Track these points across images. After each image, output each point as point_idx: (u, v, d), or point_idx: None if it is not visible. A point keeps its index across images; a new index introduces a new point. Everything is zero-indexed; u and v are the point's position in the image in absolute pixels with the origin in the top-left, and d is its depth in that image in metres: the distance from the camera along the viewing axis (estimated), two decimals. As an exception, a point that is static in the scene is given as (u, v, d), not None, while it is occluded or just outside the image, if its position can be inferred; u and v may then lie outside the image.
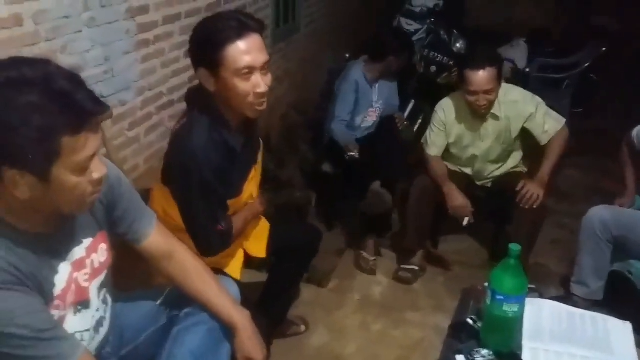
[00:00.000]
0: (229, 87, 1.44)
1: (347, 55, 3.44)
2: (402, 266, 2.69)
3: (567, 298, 2.35)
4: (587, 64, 4.01)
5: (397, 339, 2.27)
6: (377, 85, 2.97)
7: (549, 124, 2.53)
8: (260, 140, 1.77)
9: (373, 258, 2.75)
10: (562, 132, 2.53)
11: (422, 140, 2.74)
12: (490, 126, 2.57)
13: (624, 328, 1.58)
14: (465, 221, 2.53)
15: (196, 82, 1.55)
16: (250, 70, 1.42)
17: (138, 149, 2.26)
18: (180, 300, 1.35)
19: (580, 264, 2.32)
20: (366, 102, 2.95)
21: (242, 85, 1.43)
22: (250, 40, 1.41)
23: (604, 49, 3.96)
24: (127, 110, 2.16)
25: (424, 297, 2.57)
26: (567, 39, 4.59)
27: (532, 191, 2.44)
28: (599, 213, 2.25)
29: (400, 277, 2.66)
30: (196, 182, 1.49)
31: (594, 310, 1.72)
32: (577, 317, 1.62)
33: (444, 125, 2.63)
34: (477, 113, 2.52)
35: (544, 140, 2.54)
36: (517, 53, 4.12)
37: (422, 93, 3.61)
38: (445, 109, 2.64)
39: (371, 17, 4.59)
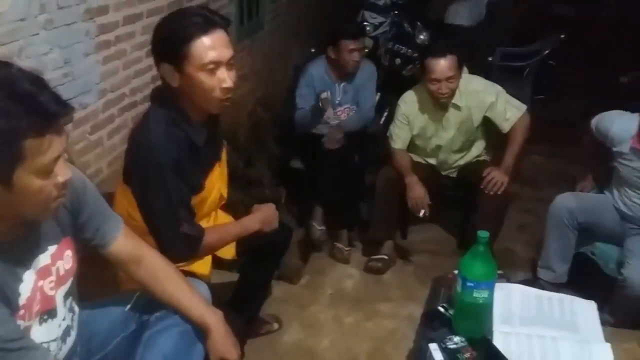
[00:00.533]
0: (194, 82, 1.44)
1: (313, 50, 3.43)
2: (372, 257, 2.73)
3: (534, 281, 2.42)
4: (546, 52, 4.11)
5: (370, 331, 2.29)
6: (341, 85, 2.93)
7: (510, 112, 2.58)
8: (224, 139, 1.76)
9: (348, 248, 2.78)
10: (523, 120, 2.58)
11: (387, 134, 2.78)
12: (452, 116, 2.62)
13: (589, 307, 1.64)
14: (421, 213, 2.57)
15: (160, 82, 1.54)
16: (216, 65, 1.43)
17: (101, 153, 2.21)
18: (150, 304, 1.33)
19: (547, 249, 2.39)
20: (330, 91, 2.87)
21: (207, 80, 1.43)
22: (216, 35, 1.42)
23: (562, 36, 4.06)
24: (88, 114, 2.11)
25: (395, 288, 2.60)
26: (527, 27, 4.68)
27: (497, 178, 2.49)
28: (565, 201, 2.31)
29: (371, 267, 2.69)
30: (154, 177, 1.47)
31: (561, 292, 1.78)
32: (545, 300, 1.67)
33: (407, 118, 2.67)
34: (439, 103, 2.56)
35: (505, 128, 2.59)
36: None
37: (388, 86, 3.62)
38: (408, 102, 2.67)
39: (336, 12, 4.59)
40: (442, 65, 2.42)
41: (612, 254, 2.33)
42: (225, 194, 1.77)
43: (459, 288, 1.45)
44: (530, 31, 4.46)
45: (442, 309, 1.57)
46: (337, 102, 2.94)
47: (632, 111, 2.20)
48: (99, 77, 2.15)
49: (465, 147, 2.72)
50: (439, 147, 2.71)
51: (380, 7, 3.95)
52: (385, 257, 2.72)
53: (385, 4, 3.93)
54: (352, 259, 2.78)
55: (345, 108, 2.98)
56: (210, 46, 1.41)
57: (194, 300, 1.33)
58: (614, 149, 2.26)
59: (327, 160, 2.75)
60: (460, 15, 4.57)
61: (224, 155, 1.73)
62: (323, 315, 2.38)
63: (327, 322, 2.34)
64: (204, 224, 1.65)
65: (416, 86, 2.68)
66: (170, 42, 1.42)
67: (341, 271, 2.72)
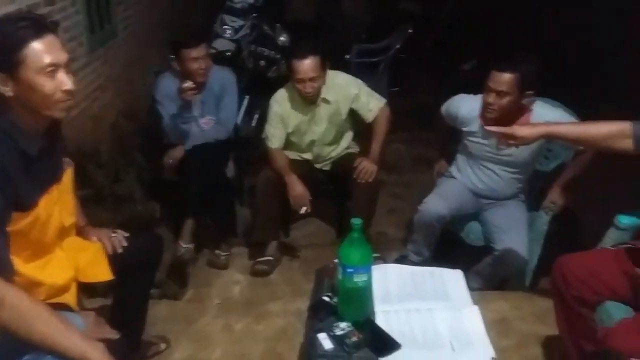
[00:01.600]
0: (34, 88, 1.36)
1: (172, 56, 3.35)
2: (258, 259, 2.74)
3: (406, 258, 2.61)
4: (397, 46, 4.40)
5: (262, 333, 2.29)
6: (197, 96, 2.79)
7: (372, 103, 2.73)
8: (71, 161, 1.63)
9: (224, 254, 2.76)
10: (384, 111, 2.75)
11: (263, 136, 2.80)
12: (323, 110, 2.72)
13: (457, 276, 1.79)
14: (303, 210, 2.65)
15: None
16: (55, 67, 1.37)
17: None
18: (15, 349, 1.21)
19: (416, 240, 2.56)
20: (187, 106, 2.79)
21: (47, 84, 1.36)
22: (48, 39, 1.37)
23: (410, 31, 4.38)
24: None
25: (282, 286, 2.64)
26: (378, 24, 4.97)
27: (367, 167, 2.63)
28: (434, 207, 2.43)
29: (257, 270, 2.70)
30: None
31: (431, 265, 1.93)
32: (418, 275, 1.79)
33: (281, 117, 2.71)
34: (307, 99, 2.64)
35: (369, 118, 2.74)
36: None
37: (255, 88, 3.65)
38: (280, 101, 2.72)
39: (194, 16, 4.50)
40: (306, 65, 2.50)
41: (472, 226, 2.58)
42: (68, 225, 1.62)
43: (339, 275, 1.51)
44: (382, 28, 4.75)
45: (326, 299, 1.62)
46: (196, 114, 2.84)
47: (475, 94, 2.42)
48: None
49: (337, 139, 2.84)
50: (313, 141, 2.79)
51: (239, 10, 3.95)
52: (271, 258, 2.74)
53: (243, 7, 3.94)
54: (235, 264, 2.76)
55: (208, 119, 2.89)
56: (46, 49, 1.36)
57: (72, 337, 1.21)
58: (465, 129, 2.49)
59: (191, 171, 2.69)
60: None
61: (66, 179, 1.59)
62: (212, 327, 2.33)
63: (217, 333, 2.30)
64: (41, 262, 1.52)
65: (287, 85, 2.74)
66: (1, 50, 1.33)
67: (227, 279, 2.69)
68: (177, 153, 2.81)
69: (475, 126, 2.43)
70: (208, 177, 2.66)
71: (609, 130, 1.68)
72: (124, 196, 2.89)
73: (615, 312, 1.69)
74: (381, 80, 4.42)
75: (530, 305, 2.35)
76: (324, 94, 2.67)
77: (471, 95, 2.45)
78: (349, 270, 1.48)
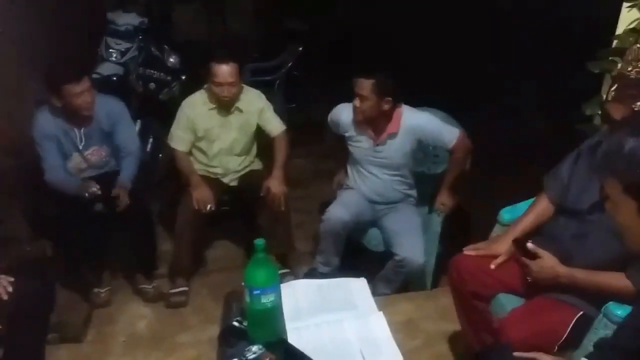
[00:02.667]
0: None
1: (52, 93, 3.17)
2: (172, 291, 2.67)
3: (315, 271, 2.66)
4: (290, 64, 4.48)
5: (173, 366, 2.21)
6: (82, 130, 2.62)
7: (275, 120, 2.82)
8: None
9: (151, 286, 2.69)
10: (284, 134, 2.82)
11: (169, 138, 2.78)
12: (234, 119, 2.75)
13: (361, 284, 1.85)
14: (208, 207, 2.64)
15: None
16: None
17: None
18: None
19: (324, 250, 2.64)
20: (71, 146, 2.64)
21: None
22: None
23: (300, 48, 4.48)
24: None
25: (192, 315, 2.56)
26: (268, 43, 5.03)
27: (277, 191, 2.64)
28: (337, 215, 2.53)
29: (174, 303, 2.64)
30: None
31: (338, 276, 1.97)
32: (325, 287, 1.83)
33: (191, 121, 2.71)
34: (222, 104, 2.68)
35: (273, 132, 2.80)
36: None
37: (147, 111, 3.54)
38: (192, 104, 2.73)
39: (78, 40, 4.25)
40: (225, 70, 2.57)
41: (373, 233, 2.68)
42: None
43: (247, 298, 1.50)
44: (272, 46, 4.81)
45: (236, 323, 1.60)
46: (80, 147, 2.65)
47: None
48: None
49: (244, 151, 2.86)
50: (222, 150, 2.80)
51: (123, 32, 3.81)
52: (186, 288, 2.69)
53: (128, 30, 3.80)
54: (141, 295, 2.66)
55: (93, 150, 2.70)
56: None
57: None
58: (346, 135, 2.61)
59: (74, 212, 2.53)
60: None
61: None
62: (119, 366, 2.22)
63: (125, 372, 2.19)
64: None
65: (201, 90, 2.76)
66: None
67: (132, 314, 2.57)
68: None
69: (353, 130, 2.57)
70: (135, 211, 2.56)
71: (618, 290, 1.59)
72: (9, 237, 2.64)
73: (507, 303, 1.83)
74: (277, 98, 4.47)
75: (433, 304, 2.48)
76: (239, 103, 2.72)
77: (350, 103, 2.57)
78: (255, 292, 1.48)
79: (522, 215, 1.96)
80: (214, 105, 2.71)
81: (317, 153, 4.18)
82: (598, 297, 1.62)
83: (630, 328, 1.25)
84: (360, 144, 2.57)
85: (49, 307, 1.84)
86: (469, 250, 1.93)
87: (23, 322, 1.69)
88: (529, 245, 1.73)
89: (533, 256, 1.73)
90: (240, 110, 2.75)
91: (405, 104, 2.53)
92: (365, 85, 2.37)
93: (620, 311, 1.51)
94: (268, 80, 4.47)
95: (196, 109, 2.72)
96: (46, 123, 2.56)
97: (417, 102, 2.65)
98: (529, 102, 4.19)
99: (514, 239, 1.82)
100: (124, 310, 2.59)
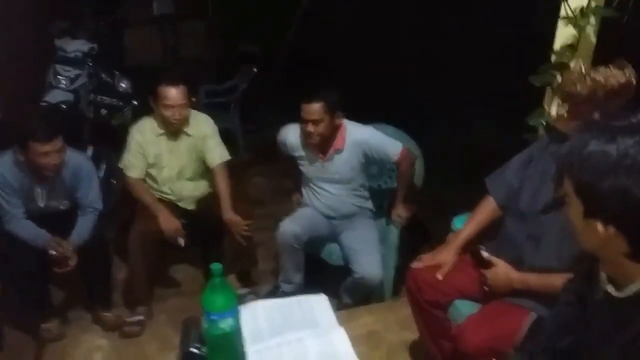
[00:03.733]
0: None
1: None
2: (128, 320, 2.61)
3: (277, 290, 2.65)
4: (245, 86, 4.51)
5: (132, 399, 2.15)
6: (44, 185, 2.47)
7: (218, 152, 2.75)
8: None
9: (109, 313, 2.62)
10: (223, 167, 2.74)
11: (121, 165, 2.72)
12: (183, 143, 2.72)
13: (321, 300, 1.84)
14: (182, 242, 2.59)
15: None
16: None
17: None
18: None
19: (284, 267, 2.65)
20: (28, 201, 2.48)
21: None
22: None
23: (254, 70, 4.51)
24: None
25: (149, 343, 2.51)
26: (223, 65, 5.05)
27: (236, 224, 2.61)
28: (289, 227, 2.56)
29: (127, 333, 2.57)
30: None
31: (299, 294, 1.97)
32: (286, 306, 1.81)
33: (142, 147, 2.67)
34: (170, 129, 2.65)
35: (211, 163, 2.74)
36: None
37: (99, 138, 3.48)
38: (142, 130, 2.69)
39: (22, 67, 4.14)
40: (174, 93, 2.55)
41: (332, 248, 2.70)
42: None
43: (205, 324, 1.48)
44: (226, 69, 4.84)
45: (195, 350, 1.58)
46: (41, 205, 2.52)
47: None
48: None
49: (197, 176, 2.83)
50: (171, 176, 2.76)
51: (72, 59, 3.74)
52: (142, 317, 2.63)
53: (77, 57, 3.74)
54: (91, 327, 2.60)
55: (53, 205, 2.57)
56: None
57: None
58: (295, 155, 2.64)
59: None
60: None
61: None
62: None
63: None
64: None
65: (149, 117, 2.72)
66: None
67: (87, 346, 2.50)
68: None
69: (301, 150, 2.60)
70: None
71: None
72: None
73: (464, 309, 1.88)
74: (234, 119, 4.48)
75: (393, 315, 2.51)
76: (187, 128, 2.69)
77: (297, 124, 2.60)
78: (213, 317, 1.46)
79: (465, 222, 2.02)
80: (162, 131, 2.68)
81: (276, 172, 4.17)
82: (552, 299, 1.67)
83: (555, 325, 1.26)
84: (309, 162, 2.61)
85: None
86: (416, 264, 1.96)
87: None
88: (483, 254, 1.79)
89: (488, 265, 1.78)
90: (189, 135, 2.72)
91: (358, 120, 2.57)
92: (315, 109, 2.39)
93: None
94: (223, 102, 4.49)
95: (145, 135, 2.69)
96: (7, 172, 2.37)
97: (368, 118, 2.71)
98: (478, 115, 4.34)
99: (470, 249, 1.86)
100: (79, 343, 2.51)
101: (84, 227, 2.51)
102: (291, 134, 2.62)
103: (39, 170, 2.36)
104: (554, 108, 2.20)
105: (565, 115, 1.73)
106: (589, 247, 1.02)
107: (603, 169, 0.90)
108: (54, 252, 2.37)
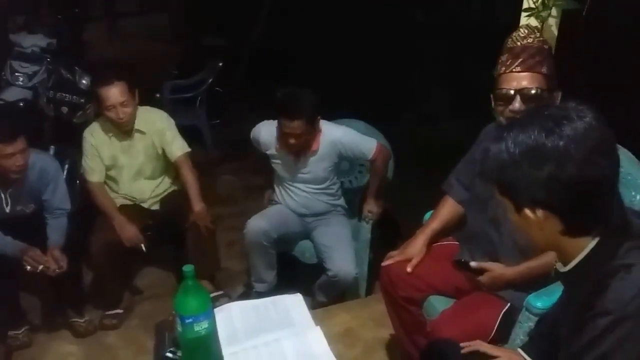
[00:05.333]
0: None
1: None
2: (106, 313, 2.59)
3: (250, 291, 2.62)
4: (211, 80, 4.43)
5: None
6: (8, 191, 2.40)
7: (177, 144, 2.68)
8: None
9: (83, 320, 2.54)
10: (186, 157, 2.68)
11: (81, 171, 2.67)
12: (138, 142, 2.65)
13: (296, 300, 1.83)
14: (144, 248, 2.56)
15: None
16: None
17: None
18: None
19: (255, 267, 2.62)
20: None
21: None
22: None
23: (220, 64, 4.44)
24: None
25: (122, 348, 2.45)
26: (188, 60, 4.95)
27: (201, 221, 2.56)
28: (257, 224, 2.52)
29: (105, 324, 2.56)
30: None
31: (275, 294, 1.95)
32: (261, 307, 1.80)
33: (96, 149, 2.60)
34: (122, 129, 2.58)
35: (172, 156, 2.67)
36: None
37: (60, 136, 3.37)
38: (94, 133, 2.62)
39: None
40: (114, 92, 2.46)
41: (305, 245, 2.68)
42: None
43: (179, 327, 1.45)
44: (191, 63, 4.74)
45: (170, 354, 1.55)
46: (6, 210, 2.43)
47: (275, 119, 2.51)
48: None
49: (157, 174, 2.76)
50: (131, 176, 2.69)
51: (30, 55, 3.61)
52: (121, 311, 2.62)
53: (35, 52, 3.61)
54: (61, 333, 2.52)
55: (19, 209, 2.48)
56: None
57: None
58: (267, 153, 2.61)
59: None
60: None
61: None
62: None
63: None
64: None
65: (100, 117, 2.63)
66: None
67: (57, 353, 2.43)
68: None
69: (274, 149, 2.57)
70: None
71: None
72: None
73: (438, 305, 1.89)
74: (200, 115, 4.41)
75: (368, 312, 2.52)
76: (138, 125, 2.61)
77: (270, 121, 2.57)
78: (187, 320, 1.43)
79: (429, 217, 2.04)
80: (114, 131, 2.60)
81: (246, 168, 4.14)
82: (527, 286, 1.69)
83: (550, 316, 1.32)
84: (282, 161, 2.57)
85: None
86: (386, 262, 1.98)
87: None
88: (472, 264, 1.80)
89: (480, 272, 1.79)
90: (142, 132, 2.63)
91: (325, 116, 2.55)
92: (296, 125, 2.35)
93: (540, 303, 1.59)
94: (189, 97, 4.40)
95: (97, 136, 2.61)
96: None
97: (337, 114, 2.70)
98: (446, 110, 4.40)
99: (456, 262, 1.87)
100: (48, 350, 2.43)
101: (58, 229, 2.44)
102: (263, 132, 2.58)
103: (3, 173, 2.28)
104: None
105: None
106: (535, 240, 1.08)
107: (505, 163, 1.01)
108: (29, 268, 2.27)
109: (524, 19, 2.26)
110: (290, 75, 4.56)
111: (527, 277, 1.72)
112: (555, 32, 2.23)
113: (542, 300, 1.59)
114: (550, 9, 2.15)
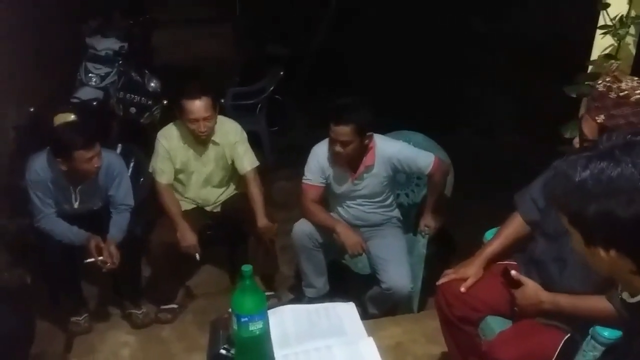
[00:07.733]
0: None
1: (32, 110, 3.12)
2: (162, 307, 2.68)
3: (302, 296, 2.63)
4: (272, 88, 4.51)
5: (157, 397, 2.15)
6: (78, 188, 2.50)
7: (248, 158, 2.73)
8: None
9: (140, 311, 2.65)
10: (254, 173, 2.74)
11: (150, 169, 2.73)
12: (211, 151, 2.71)
13: (349, 308, 1.82)
14: (198, 257, 2.61)
15: None
16: None
17: None
18: None
19: (304, 271, 2.64)
20: (62, 201, 2.51)
21: None
22: None
23: (281, 72, 4.51)
24: None
25: (175, 342, 2.51)
26: (250, 68, 5.06)
27: (266, 236, 2.63)
28: (301, 227, 2.55)
29: (160, 318, 2.65)
30: None
31: (326, 301, 1.95)
32: (313, 313, 1.80)
33: (168, 153, 2.66)
34: (198, 140, 2.64)
35: (241, 170, 2.73)
36: None
37: (127, 135, 3.51)
38: (168, 137, 2.68)
39: (53, 64, 4.21)
40: (198, 106, 2.50)
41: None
42: None
43: (234, 326, 1.47)
44: (254, 70, 4.84)
45: (224, 351, 1.57)
46: (75, 206, 2.55)
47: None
48: None
49: (224, 182, 2.82)
50: (200, 182, 2.76)
51: (103, 57, 3.80)
52: (175, 306, 2.70)
53: (108, 55, 3.80)
54: (120, 323, 2.62)
55: (86, 205, 2.60)
56: None
57: None
58: (327, 175, 2.55)
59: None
60: None
61: None
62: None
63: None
64: None
65: (177, 121, 2.69)
66: None
67: (114, 341, 2.51)
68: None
69: (331, 170, 2.54)
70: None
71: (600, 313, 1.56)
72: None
73: (495, 325, 1.83)
74: (260, 122, 4.48)
75: (420, 327, 2.47)
76: (214, 136, 2.67)
77: (321, 143, 2.55)
78: (243, 319, 1.45)
79: (492, 237, 1.97)
80: (190, 138, 2.66)
81: (301, 175, 4.15)
82: (583, 321, 1.62)
83: (620, 348, 1.25)
84: (338, 182, 2.55)
85: (30, 337, 1.78)
86: (442, 280, 1.93)
87: (3, 354, 1.63)
88: (512, 273, 1.74)
89: (518, 284, 1.73)
90: (216, 143, 2.69)
91: (384, 127, 2.52)
92: (344, 131, 2.33)
93: (607, 332, 1.52)
94: (250, 104, 4.49)
95: (172, 141, 2.67)
96: (42, 172, 2.40)
97: (396, 125, 2.67)
98: (509, 125, 4.27)
99: (502, 269, 1.82)
100: (106, 339, 2.53)
101: (120, 224, 2.53)
102: (321, 156, 2.53)
103: (82, 175, 2.40)
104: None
105: (581, 113, 1.67)
106: (601, 272, 1.02)
107: (584, 197, 0.92)
108: (92, 259, 2.39)
109: (599, 37, 2.17)
110: (349, 85, 4.58)
111: (562, 308, 1.65)
112: (633, 52, 2.13)
113: (609, 331, 1.52)
114: (629, 27, 2.06)
